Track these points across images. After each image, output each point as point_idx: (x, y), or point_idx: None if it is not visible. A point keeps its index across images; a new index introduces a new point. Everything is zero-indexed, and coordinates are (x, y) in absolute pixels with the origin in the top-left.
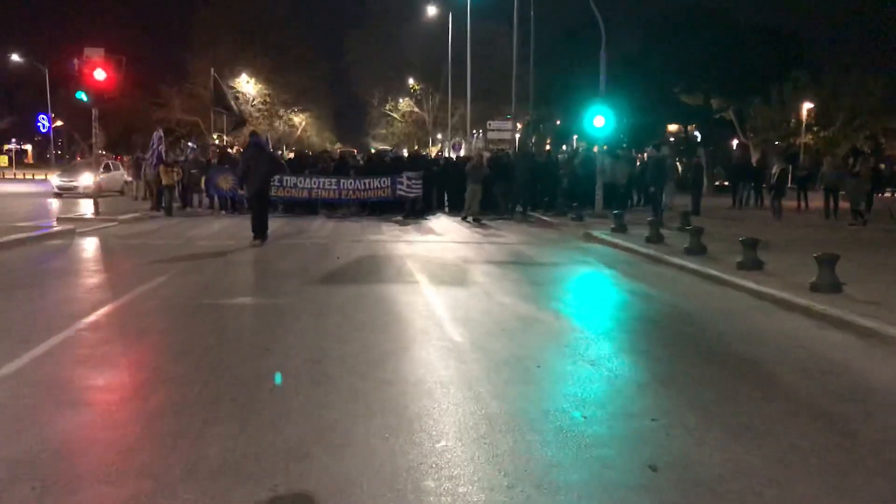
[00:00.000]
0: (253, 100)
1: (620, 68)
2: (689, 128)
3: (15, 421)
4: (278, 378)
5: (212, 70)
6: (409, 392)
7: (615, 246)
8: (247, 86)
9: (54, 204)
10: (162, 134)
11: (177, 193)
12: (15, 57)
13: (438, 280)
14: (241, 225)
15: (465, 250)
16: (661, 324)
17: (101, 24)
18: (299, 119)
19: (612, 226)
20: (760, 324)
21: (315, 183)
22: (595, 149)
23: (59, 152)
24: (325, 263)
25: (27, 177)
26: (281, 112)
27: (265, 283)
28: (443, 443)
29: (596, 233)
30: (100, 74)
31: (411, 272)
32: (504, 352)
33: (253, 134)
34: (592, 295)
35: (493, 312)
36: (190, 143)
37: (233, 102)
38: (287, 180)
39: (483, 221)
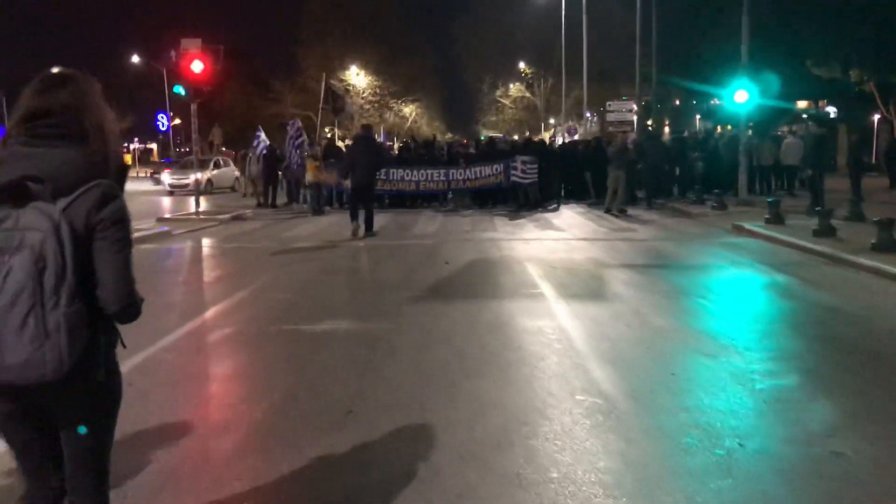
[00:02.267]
0: (363, 92)
1: (738, 41)
2: (820, 104)
3: None
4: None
5: (324, 76)
6: (552, 499)
7: (774, 241)
8: (357, 78)
9: (165, 202)
10: (300, 124)
11: (283, 188)
12: (134, 58)
13: (569, 292)
14: (343, 223)
15: (594, 250)
16: (885, 355)
17: (213, 21)
18: (409, 109)
19: (766, 216)
20: None
21: (423, 175)
22: (716, 129)
23: (185, 149)
24: (432, 270)
25: (146, 175)
26: (391, 103)
27: (359, 300)
28: None
29: (747, 225)
30: (197, 66)
31: (534, 281)
32: (684, 418)
33: (364, 127)
34: (772, 313)
35: (651, 344)
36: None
37: (344, 99)
38: (394, 173)
39: (629, 213)
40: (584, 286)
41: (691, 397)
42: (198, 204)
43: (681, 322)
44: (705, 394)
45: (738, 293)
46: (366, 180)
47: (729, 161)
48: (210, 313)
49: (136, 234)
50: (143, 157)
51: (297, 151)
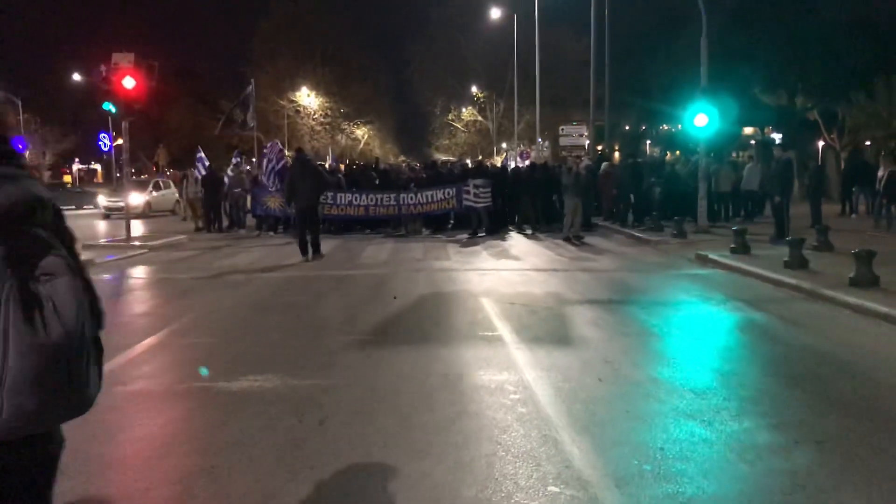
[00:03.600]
0: (314, 113)
1: (691, 65)
2: (765, 130)
3: None
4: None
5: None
6: None
7: (744, 273)
8: (307, 99)
9: (101, 226)
10: (280, 146)
11: (223, 212)
12: (75, 76)
13: (530, 335)
14: (287, 251)
15: (554, 282)
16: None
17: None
18: (361, 132)
19: (732, 245)
20: None
21: (372, 199)
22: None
23: (131, 171)
24: (378, 306)
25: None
26: (343, 125)
27: (291, 346)
28: None
29: (712, 254)
30: (129, 82)
31: (491, 321)
32: None
33: (298, 150)
34: (761, 363)
35: (629, 404)
36: (234, 158)
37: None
38: (341, 197)
39: (585, 240)
40: (546, 327)
41: (690, 484)
42: (128, 229)
43: (658, 373)
44: (706, 479)
45: (717, 336)
46: (309, 203)
47: (687, 187)
48: (111, 365)
49: None
50: (87, 179)
51: (276, 177)
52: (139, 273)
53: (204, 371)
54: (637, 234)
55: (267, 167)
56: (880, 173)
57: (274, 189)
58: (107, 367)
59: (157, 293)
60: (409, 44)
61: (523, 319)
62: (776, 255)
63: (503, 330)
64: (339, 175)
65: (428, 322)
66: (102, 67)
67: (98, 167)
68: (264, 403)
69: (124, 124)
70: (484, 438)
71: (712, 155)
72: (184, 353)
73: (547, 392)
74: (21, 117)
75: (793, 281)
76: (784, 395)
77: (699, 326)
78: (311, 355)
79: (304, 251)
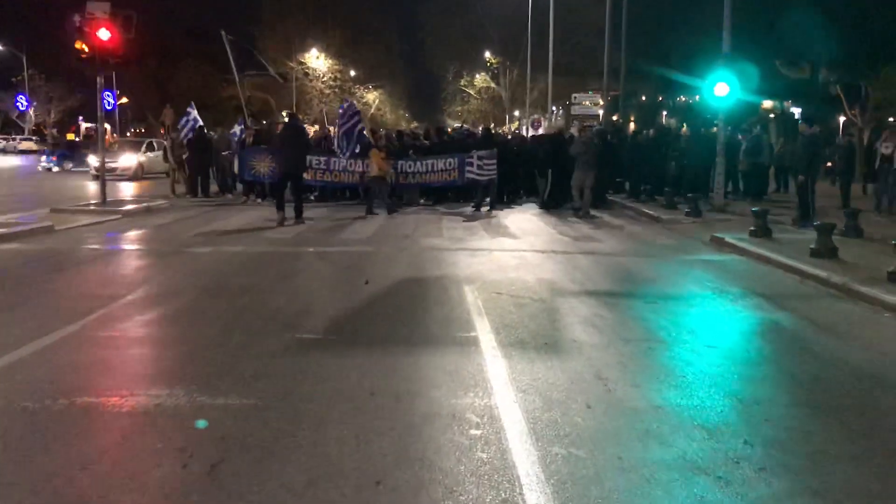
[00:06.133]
0: (323, 76)
1: (712, 34)
2: (785, 104)
3: None
4: None
5: (223, 32)
6: None
7: (765, 261)
8: (316, 61)
9: (91, 187)
10: (357, 107)
11: (212, 176)
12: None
13: (512, 337)
14: (269, 217)
15: (550, 267)
16: None
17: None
18: (372, 96)
19: (751, 227)
20: None
21: (368, 166)
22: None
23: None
24: (344, 293)
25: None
26: (353, 89)
27: (222, 346)
28: None
29: (729, 237)
30: (104, 34)
31: (469, 316)
32: None
33: (290, 115)
34: (789, 385)
35: (625, 444)
36: (238, 124)
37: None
38: (336, 162)
39: (595, 215)
40: (532, 326)
41: None
42: (103, 192)
43: (663, 398)
44: None
45: (735, 345)
46: (295, 169)
47: (703, 161)
48: None
49: (9, 230)
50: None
51: (347, 139)
52: (94, 244)
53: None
54: (648, 211)
55: (338, 130)
56: None
57: (344, 154)
58: None
59: (99, 271)
60: (421, 5)
61: (507, 315)
62: (801, 240)
63: (481, 330)
64: (332, 139)
65: (395, 316)
66: (76, 17)
67: (108, 126)
68: (152, 433)
69: (99, 79)
70: (440, 494)
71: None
72: (90, 352)
73: (519, 426)
74: (25, 73)
75: (821, 273)
76: (823, 437)
77: (714, 330)
78: (240, 361)
79: (280, 212)
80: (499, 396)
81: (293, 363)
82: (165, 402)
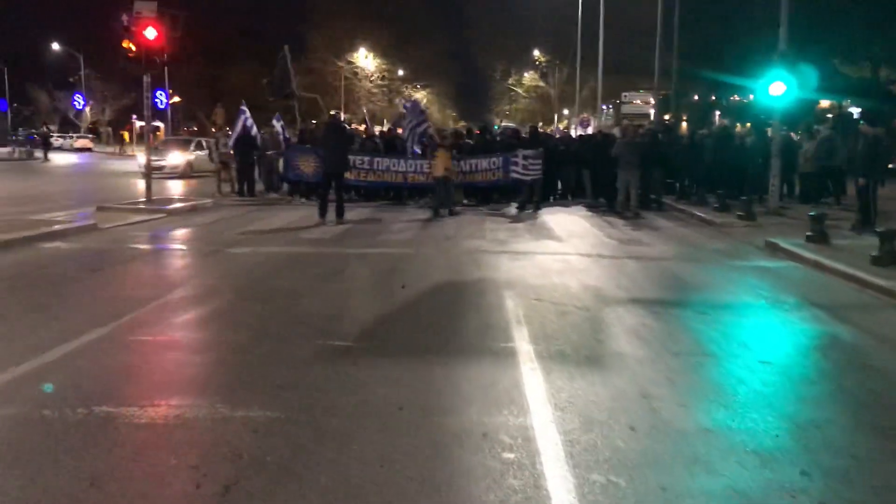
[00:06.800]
0: (371, 75)
1: (766, 32)
2: (843, 104)
3: None
4: None
5: (286, 48)
6: None
7: (822, 269)
8: (365, 60)
9: (140, 185)
10: (422, 106)
11: (257, 175)
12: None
13: (553, 348)
14: (311, 219)
15: (595, 272)
16: None
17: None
18: (420, 96)
19: (808, 232)
20: None
21: (412, 166)
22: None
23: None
24: (380, 298)
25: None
26: (401, 88)
27: (248, 355)
28: None
29: (784, 243)
30: (150, 33)
31: (508, 326)
32: None
33: (332, 115)
34: (847, 399)
35: (670, 471)
36: (274, 120)
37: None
38: (379, 162)
39: (642, 215)
40: (574, 337)
41: None
42: (148, 191)
43: (713, 420)
44: None
45: (792, 360)
46: (337, 168)
47: (757, 162)
48: (23, 369)
49: (54, 228)
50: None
51: (413, 139)
52: (137, 243)
53: (47, 388)
54: (699, 213)
55: (406, 129)
56: None
57: (412, 153)
58: (19, 371)
59: (141, 269)
60: (470, 4)
61: (548, 324)
62: (861, 246)
63: (520, 340)
64: (376, 139)
65: (429, 324)
66: (124, 16)
67: (161, 124)
68: (167, 448)
69: (146, 78)
70: None
71: (785, 128)
72: (116, 357)
73: (555, 450)
74: (82, 73)
75: (884, 283)
76: (891, 467)
77: (767, 344)
78: (267, 369)
79: (322, 213)
80: (535, 415)
81: (321, 372)
82: (185, 414)
